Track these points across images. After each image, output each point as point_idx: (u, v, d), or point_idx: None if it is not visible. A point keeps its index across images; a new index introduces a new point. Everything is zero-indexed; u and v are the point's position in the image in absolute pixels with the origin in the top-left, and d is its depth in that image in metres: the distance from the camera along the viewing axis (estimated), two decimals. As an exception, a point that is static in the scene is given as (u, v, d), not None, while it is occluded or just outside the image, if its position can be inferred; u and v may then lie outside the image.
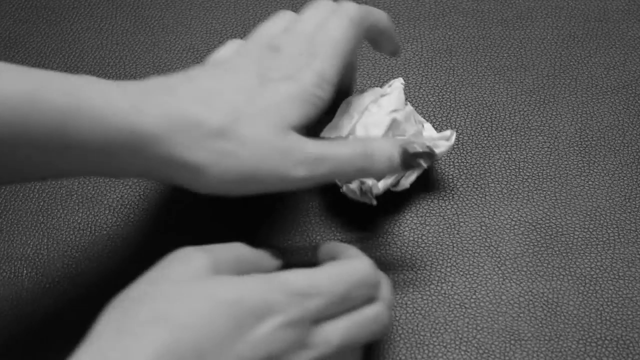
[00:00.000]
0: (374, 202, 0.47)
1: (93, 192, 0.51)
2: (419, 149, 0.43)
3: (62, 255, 0.48)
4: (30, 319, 0.46)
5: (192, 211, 0.50)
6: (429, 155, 0.43)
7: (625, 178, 0.51)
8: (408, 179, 0.48)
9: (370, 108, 0.48)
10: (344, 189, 0.47)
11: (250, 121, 0.40)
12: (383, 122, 0.47)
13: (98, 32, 0.60)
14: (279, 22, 0.46)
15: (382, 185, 0.46)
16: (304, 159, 0.40)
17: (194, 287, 0.35)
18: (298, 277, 0.36)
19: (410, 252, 0.48)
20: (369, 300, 0.39)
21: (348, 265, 0.38)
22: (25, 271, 0.48)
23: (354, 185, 0.46)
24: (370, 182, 0.46)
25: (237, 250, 0.39)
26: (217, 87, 0.41)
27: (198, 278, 0.35)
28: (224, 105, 0.40)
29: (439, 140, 0.48)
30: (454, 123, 0.53)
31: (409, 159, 0.43)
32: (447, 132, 0.48)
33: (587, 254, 0.48)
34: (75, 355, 0.32)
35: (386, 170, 0.43)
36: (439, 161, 0.52)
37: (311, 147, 0.41)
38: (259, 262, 0.40)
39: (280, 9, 0.61)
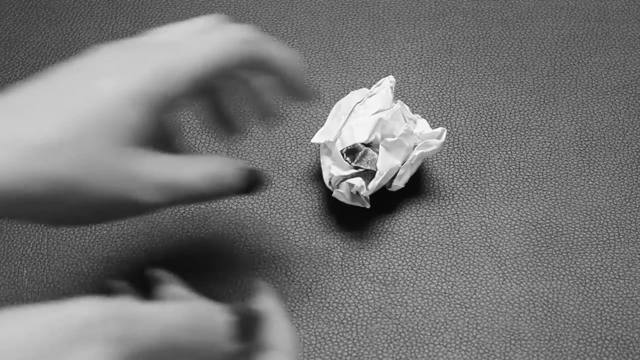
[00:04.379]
0: (368, 206, 0.47)
1: (93, 192, 0.51)
2: (252, 175, 0.39)
3: (62, 255, 0.48)
4: (30, 319, 0.46)
5: (191, 211, 0.50)
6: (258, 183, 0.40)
7: (625, 178, 0.51)
8: (401, 179, 0.47)
9: (356, 109, 0.48)
10: (335, 193, 0.47)
11: (87, 140, 0.34)
12: (368, 122, 0.47)
13: (98, 32, 0.60)
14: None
15: (370, 186, 0.46)
16: (152, 184, 0.36)
17: None
18: None
19: (410, 251, 0.48)
20: None
21: None
22: (25, 271, 0.48)
23: (344, 189, 0.46)
24: (358, 184, 0.46)
25: (166, 331, 0.29)
26: (39, 97, 0.35)
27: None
28: (46, 117, 0.34)
29: (430, 139, 0.48)
30: (454, 123, 0.53)
31: (250, 183, 0.39)
32: (438, 130, 0.48)
33: (587, 254, 0.48)
34: None
35: (232, 194, 0.39)
36: (432, 159, 0.52)
37: (157, 171, 0.36)
38: (194, 348, 0.30)
39: (278, 9, 0.61)
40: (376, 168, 0.46)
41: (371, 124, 0.47)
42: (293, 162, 0.52)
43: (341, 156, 0.46)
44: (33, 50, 0.59)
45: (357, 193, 0.47)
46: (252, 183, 0.39)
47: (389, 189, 0.48)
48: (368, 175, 0.47)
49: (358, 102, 0.48)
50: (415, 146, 0.48)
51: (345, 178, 0.47)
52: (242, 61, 0.38)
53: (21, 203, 0.33)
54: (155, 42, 0.38)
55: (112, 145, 0.34)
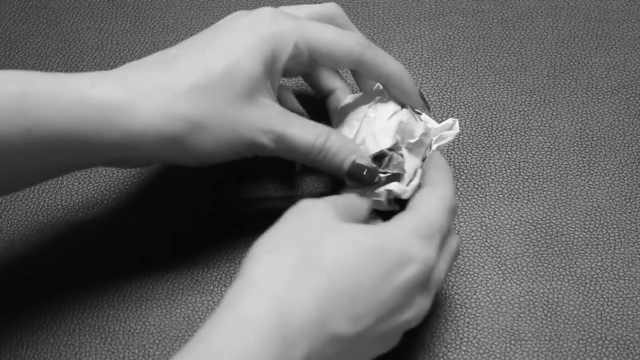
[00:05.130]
0: (397, 208, 0.46)
1: (93, 192, 0.51)
2: (368, 165, 0.44)
3: (62, 256, 0.48)
4: (31, 319, 0.46)
5: (194, 211, 0.50)
6: (373, 173, 0.44)
7: (625, 178, 0.51)
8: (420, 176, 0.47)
9: (368, 114, 0.46)
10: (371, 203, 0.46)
11: (211, 89, 0.41)
12: (389, 127, 0.45)
13: (98, 32, 0.60)
14: None
15: (410, 189, 0.45)
16: (261, 130, 0.42)
17: (337, 234, 0.36)
18: (419, 221, 0.38)
19: (410, 252, 0.48)
20: None
21: (444, 195, 0.40)
22: (25, 271, 0.48)
23: (383, 196, 0.45)
24: (397, 189, 0.45)
25: (339, 201, 0.40)
26: (179, 51, 0.42)
27: (335, 224, 0.37)
28: (186, 67, 0.41)
29: (444, 132, 0.47)
30: (454, 123, 0.53)
31: (355, 171, 0.44)
32: (450, 121, 0.47)
33: (587, 254, 0.48)
34: (234, 296, 0.33)
35: (333, 172, 0.44)
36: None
37: (277, 120, 0.42)
38: (355, 211, 0.41)
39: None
40: (404, 171, 0.45)
41: (392, 127, 0.45)
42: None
43: None
44: (33, 50, 0.59)
45: (395, 198, 0.46)
46: (352, 173, 0.44)
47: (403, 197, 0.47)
48: (393, 178, 0.46)
49: (368, 106, 0.47)
50: (431, 141, 0.47)
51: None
52: (346, 59, 0.44)
53: (165, 143, 0.40)
54: (284, 11, 0.45)
55: (233, 93, 0.41)
